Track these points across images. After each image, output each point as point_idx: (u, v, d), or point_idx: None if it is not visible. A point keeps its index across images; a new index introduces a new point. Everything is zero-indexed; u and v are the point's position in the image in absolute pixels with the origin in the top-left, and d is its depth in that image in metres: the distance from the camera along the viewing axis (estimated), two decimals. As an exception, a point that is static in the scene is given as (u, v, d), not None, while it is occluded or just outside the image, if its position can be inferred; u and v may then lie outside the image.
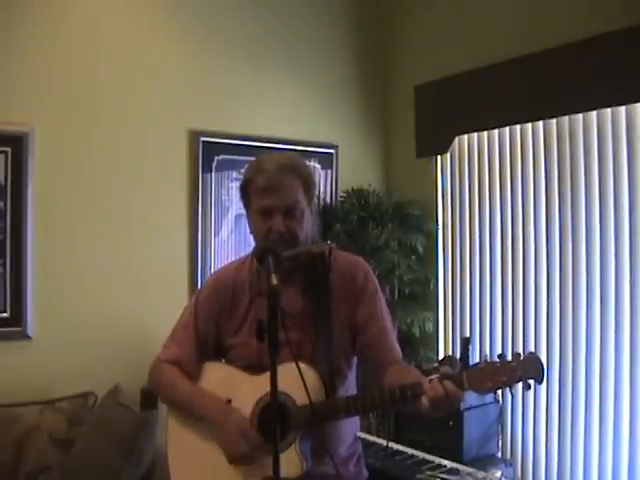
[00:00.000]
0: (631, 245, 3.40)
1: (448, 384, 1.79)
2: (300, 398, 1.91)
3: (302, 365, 1.90)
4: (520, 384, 1.79)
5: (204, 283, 2.37)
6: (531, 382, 1.78)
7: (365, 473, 2.23)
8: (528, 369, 1.76)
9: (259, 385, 1.92)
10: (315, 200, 2.16)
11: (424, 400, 1.80)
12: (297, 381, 1.82)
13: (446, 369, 1.85)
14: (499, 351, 4.00)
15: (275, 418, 1.72)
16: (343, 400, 1.98)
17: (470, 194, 4.25)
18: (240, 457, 1.96)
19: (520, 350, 1.84)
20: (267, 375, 1.72)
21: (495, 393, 1.82)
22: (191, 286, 3.93)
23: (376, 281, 2.19)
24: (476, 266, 4.18)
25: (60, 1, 3.66)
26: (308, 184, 2.10)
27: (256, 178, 2.06)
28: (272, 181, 2.03)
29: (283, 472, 1.87)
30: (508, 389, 1.79)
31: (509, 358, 1.80)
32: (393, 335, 2.18)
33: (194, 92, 4.01)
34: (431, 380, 1.81)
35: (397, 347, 2.16)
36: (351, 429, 2.20)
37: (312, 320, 2.07)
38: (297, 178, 2.07)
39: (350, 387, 2.17)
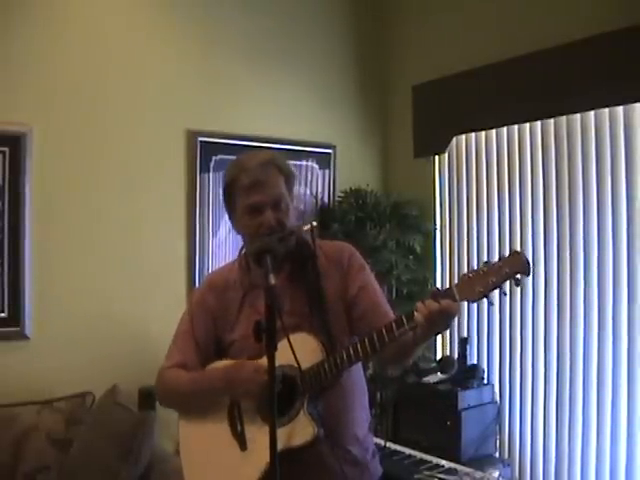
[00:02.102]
0: (628, 244, 3.41)
1: (441, 299, 1.79)
2: (304, 365, 1.93)
3: (301, 333, 1.96)
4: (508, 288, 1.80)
5: (196, 288, 2.38)
6: (521, 277, 1.78)
7: (380, 469, 2.24)
8: (514, 265, 1.76)
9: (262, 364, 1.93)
10: (295, 193, 2.20)
11: (418, 317, 1.80)
12: (297, 350, 1.84)
13: (434, 288, 1.86)
14: (497, 352, 4.02)
15: (274, 412, 1.74)
16: (341, 350, 1.98)
17: (468, 194, 4.25)
18: (261, 390, 1.93)
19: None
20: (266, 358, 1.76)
21: (488, 298, 1.79)
22: (189, 286, 3.93)
23: (362, 259, 2.22)
24: (474, 266, 4.17)
25: (60, 2, 3.66)
26: (289, 178, 2.15)
27: (240, 177, 2.08)
28: (256, 177, 2.06)
29: (297, 440, 1.93)
30: (500, 290, 1.78)
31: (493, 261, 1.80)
32: (385, 303, 2.19)
33: (192, 92, 4.01)
34: (423, 301, 1.82)
35: (391, 314, 2.16)
36: (362, 416, 2.20)
37: (306, 303, 2.09)
38: (279, 172, 2.11)
39: (355, 370, 2.16)
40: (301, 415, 1.97)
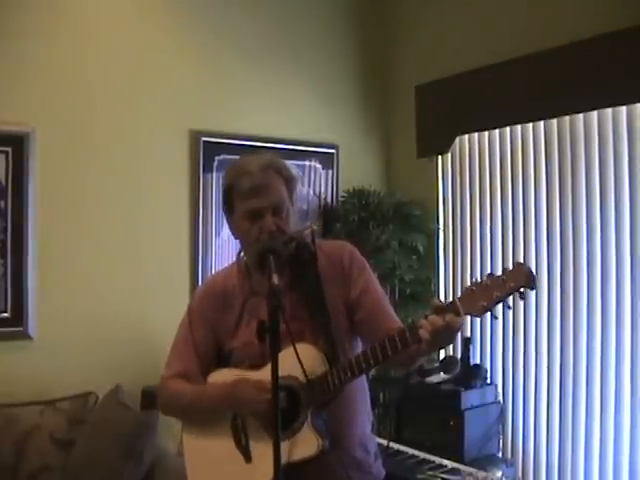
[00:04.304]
0: (632, 245, 3.40)
1: (446, 315, 1.76)
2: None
3: (303, 344, 1.92)
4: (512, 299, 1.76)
5: (194, 294, 2.36)
6: (525, 291, 1.74)
7: (383, 471, 2.22)
8: (519, 279, 1.72)
9: (264, 377, 1.91)
10: (297, 196, 2.16)
11: (423, 333, 1.77)
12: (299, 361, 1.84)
13: (437, 302, 1.83)
14: (500, 352, 4.01)
15: (277, 415, 1.74)
16: (344, 362, 1.96)
17: (471, 194, 4.25)
18: (267, 408, 1.89)
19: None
20: (269, 367, 1.74)
21: (492, 312, 1.76)
22: (192, 286, 3.93)
23: (363, 258, 2.19)
24: (477, 266, 4.18)
25: (61, 1, 3.66)
26: (289, 182, 2.11)
27: (240, 181, 2.05)
28: (257, 181, 2.02)
29: (301, 453, 1.91)
30: (504, 304, 1.74)
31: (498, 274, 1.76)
32: (388, 305, 2.17)
33: (195, 92, 4.02)
34: (427, 316, 1.79)
35: (395, 315, 2.14)
36: (365, 421, 2.19)
37: (307, 307, 2.07)
38: (280, 177, 2.08)
39: None
40: (305, 428, 1.95)
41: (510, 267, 1.75)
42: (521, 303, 3.83)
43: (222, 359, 2.18)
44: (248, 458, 2.03)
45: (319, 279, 2.09)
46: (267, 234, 2.01)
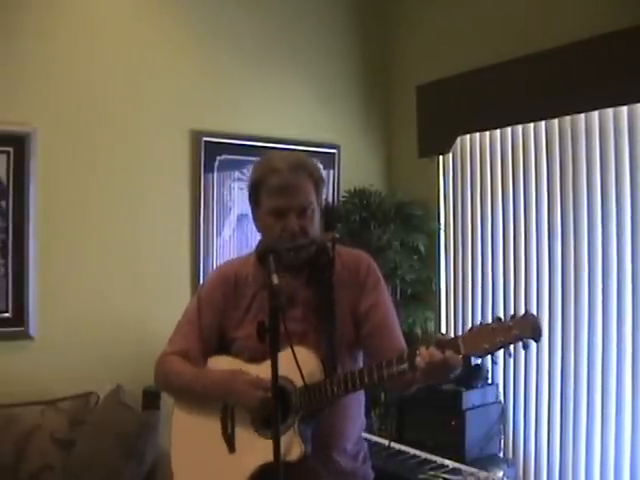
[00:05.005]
0: (633, 245, 3.40)
1: (446, 350, 1.76)
2: (301, 381, 1.91)
3: (303, 349, 1.92)
4: (516, 345, 1.76)
5: (207, 277, 2.36)
6: (529, 341, 1.74)
7: (371, 474, 2.23)
8: (525, 328, 1.72)
9: (262, 372, 1.92)
10: (322, 199, 2.17)
11: (419, 362, 1.78)
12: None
13: (440, 336, 1.84)
14: (500, 352, 4.00)
15: (275, 413, 1.74)
16: (340, 376, 1.95)
17: (472, 194, 4.25)
18: (260, 405, 1.93)
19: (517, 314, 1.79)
20: (269, 362, 1.74)
21: (493, 355, 1.77)
22: (193, 286, 3.92)
23: (379, 272, 2.19)
24: (478, 266, 4.18)
25: (62, 1, 3.66)
26: (318, 184, 2.11)
27: (268, 178, 2.04)
28: (286, 181, 2.02)
29: (283, 456, 1.87)
30: (505, 350, 1.75)
31: (505, 319, 1.77)
32: (396, 324, 2.17)
33: (196, 92, 4.02)
34: (428, 347, 1.79)
35: (401, 337, 2.14)
36: (356, 426, 2.19)
37: (316, 310, 2.07)
38: (309, 178, 2.07)
39: None
40: (291, 432, 1.94)
41: (520, 314, 1.76)
42: (522, 302, 3.87)
43: (223, 345, 2.18)
44: (232, 449, 2.04)
45: (332, 285, 2.09)
46: (289, 234, 2.01)
